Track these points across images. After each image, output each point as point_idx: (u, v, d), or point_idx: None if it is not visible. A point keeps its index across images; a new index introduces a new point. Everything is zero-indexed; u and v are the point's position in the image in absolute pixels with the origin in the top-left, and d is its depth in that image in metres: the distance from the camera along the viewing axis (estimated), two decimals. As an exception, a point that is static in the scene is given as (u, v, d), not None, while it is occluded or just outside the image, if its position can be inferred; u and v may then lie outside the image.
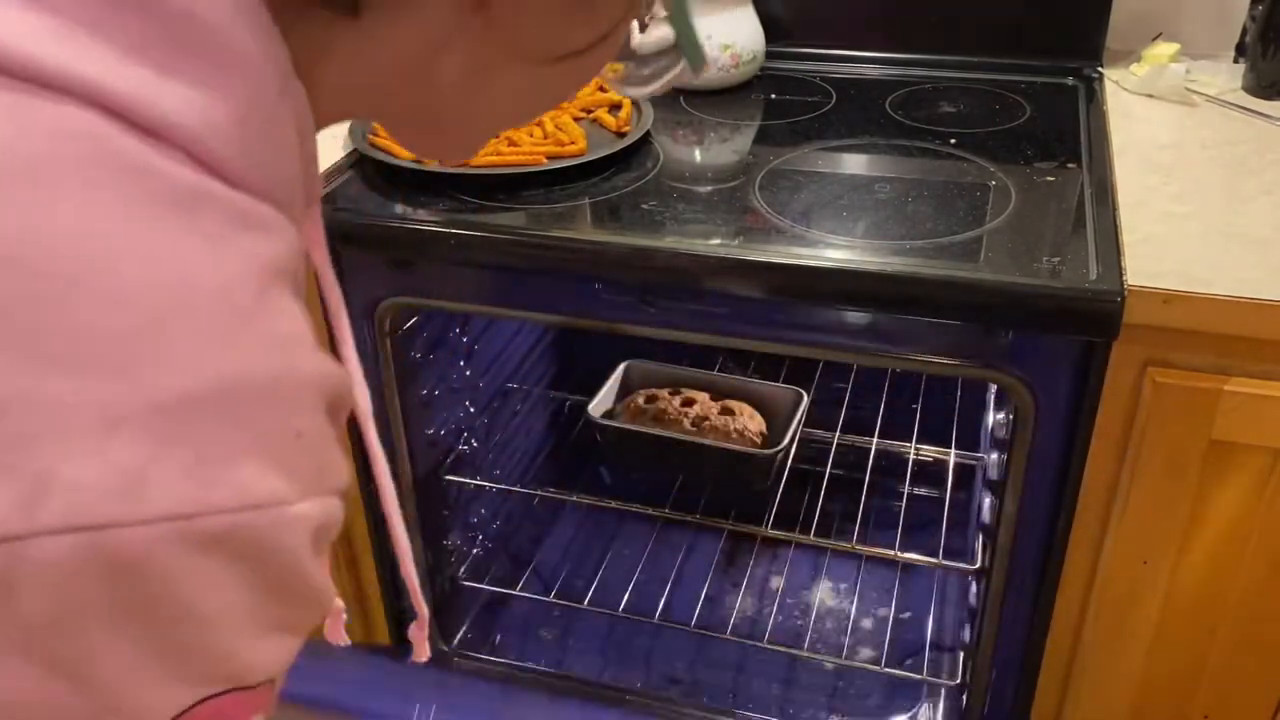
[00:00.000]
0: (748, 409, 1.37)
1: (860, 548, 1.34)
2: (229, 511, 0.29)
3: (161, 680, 0.30)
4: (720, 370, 1.52)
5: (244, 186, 0.33)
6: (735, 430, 1.32)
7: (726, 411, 1.35)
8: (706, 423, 1.33)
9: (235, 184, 0.33)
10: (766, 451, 1.30)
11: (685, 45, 0.48)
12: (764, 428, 1.35)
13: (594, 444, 1.40)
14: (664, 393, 1.40)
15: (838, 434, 1.45)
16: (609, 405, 1.41)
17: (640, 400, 1.38)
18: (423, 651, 0.63)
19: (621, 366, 1.44)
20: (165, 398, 0.29)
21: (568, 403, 1.61)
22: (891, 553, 1.29)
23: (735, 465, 1.31)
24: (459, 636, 1.37)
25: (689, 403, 1.37)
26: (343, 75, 0.39)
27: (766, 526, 1.36)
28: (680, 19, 0.47)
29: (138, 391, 0.28)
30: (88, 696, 0.29)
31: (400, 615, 1.31)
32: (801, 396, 1.37)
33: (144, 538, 0.28)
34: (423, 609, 0.61)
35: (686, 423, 1.34)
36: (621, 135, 1.11)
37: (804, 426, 1.38)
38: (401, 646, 1.34)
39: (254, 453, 0.30)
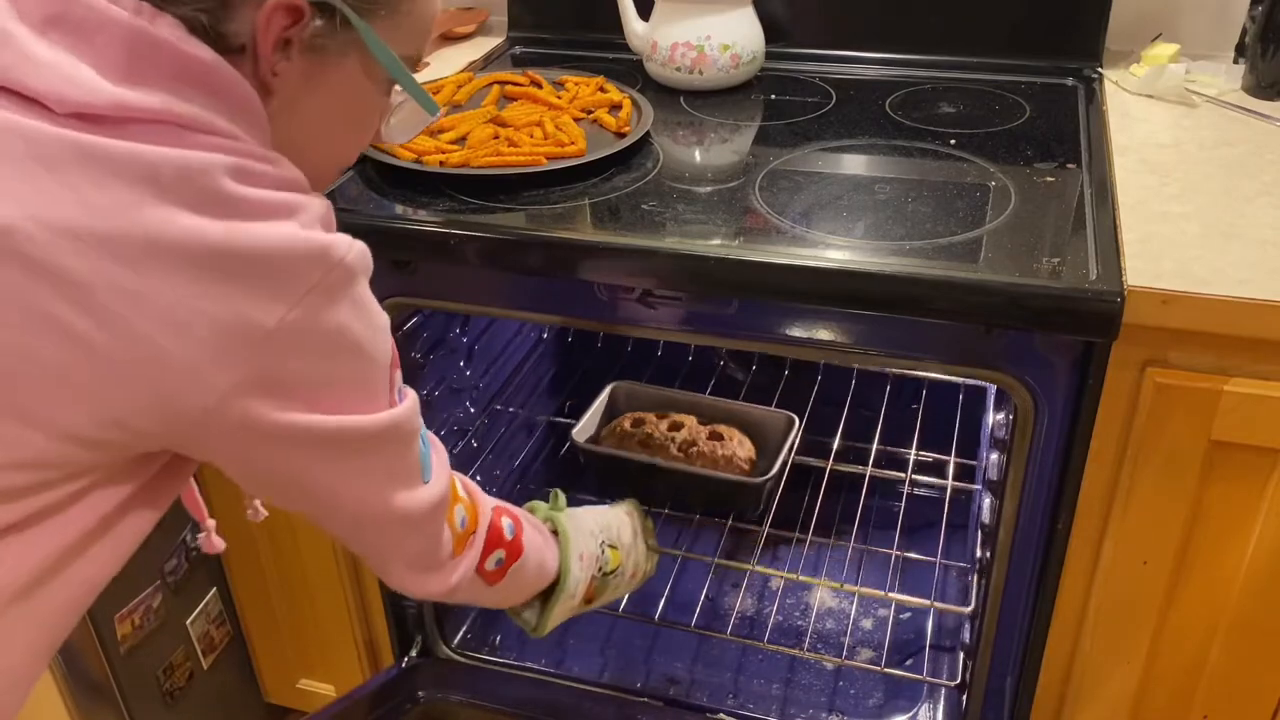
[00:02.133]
0: (737, 434, 1.33)
1: (860, 548, 1.33)
2: None
3: None
4: (719, 372, 1.51)
5: None
6: (723, 456, 1.28)
7: (715, 436, 1.31)
8: (694, 448, 1.29)
9: None
10: (754, 480, 1.25)
11: (417, 99, 0.70)
12: (753, 454, 1.30)
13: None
14: (651, 416, 1.36)
15: (836, 439, 1.45)
16: (594, 428, 1.37)
17: (627, 424, 1.35)
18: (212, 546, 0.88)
19: (608, 388, 1.41)
20: None
21: (565, 407, 1.60)
22: (891, 553, 1.29)
23: (722, 493, 1.27)
24: (459, 637, 1.37)
25: (676, 427, 1.33)
26: None
27: (766, 526, 1.36)
28: (406, 84, 0.69)
29: None
30: None
31: (400, 613, 1.31)
32: (794, 421, 1.33)
33: None
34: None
35: (673, 448, 1.30)
36: (621, 135, 1.11)
37: (802, 435, 1.36)
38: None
39: None
